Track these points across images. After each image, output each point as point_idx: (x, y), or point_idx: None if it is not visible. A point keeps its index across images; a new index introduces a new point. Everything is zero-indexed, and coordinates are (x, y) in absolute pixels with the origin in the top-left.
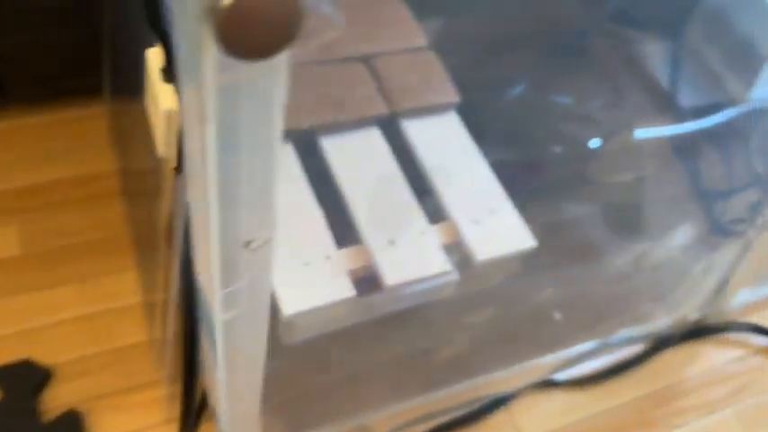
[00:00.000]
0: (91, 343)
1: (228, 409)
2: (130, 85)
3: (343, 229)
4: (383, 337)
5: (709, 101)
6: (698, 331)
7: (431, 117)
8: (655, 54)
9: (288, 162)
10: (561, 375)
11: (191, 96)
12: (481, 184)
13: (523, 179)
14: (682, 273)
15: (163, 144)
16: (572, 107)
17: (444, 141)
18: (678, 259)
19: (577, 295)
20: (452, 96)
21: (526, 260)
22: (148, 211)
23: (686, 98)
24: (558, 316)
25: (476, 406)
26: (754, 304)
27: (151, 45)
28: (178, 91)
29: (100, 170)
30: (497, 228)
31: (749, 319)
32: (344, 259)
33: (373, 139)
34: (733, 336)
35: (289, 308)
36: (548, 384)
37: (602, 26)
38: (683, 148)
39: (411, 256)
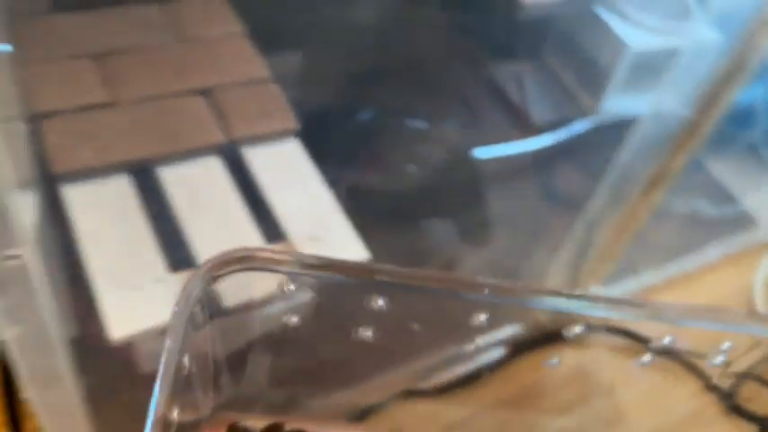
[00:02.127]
0: None
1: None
2: None
3: (181, 255)
4: None
5: (562, 116)
6: (553, 334)
7: (271, 144)
8: (509, 74)
9: (124, 194)
10: (424, 384)
11: None
12: (317, 205)
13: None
14: (530, 278)
15: None
16: (427, 130)
17: (283, 166)
18: (528, 266)
19: (433, 306)
20: (291, 123)
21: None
22: None
23: (540, 114)
24: (416, 327)
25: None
26: None
27: None
28: None
29: None
30: (332, 244)
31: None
32: (178, 282)
33: (212, 167)
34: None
35: (116, 332)
36: (411, 394)
37: (455, 52)
38: (541, 161)
39: (249, 278)
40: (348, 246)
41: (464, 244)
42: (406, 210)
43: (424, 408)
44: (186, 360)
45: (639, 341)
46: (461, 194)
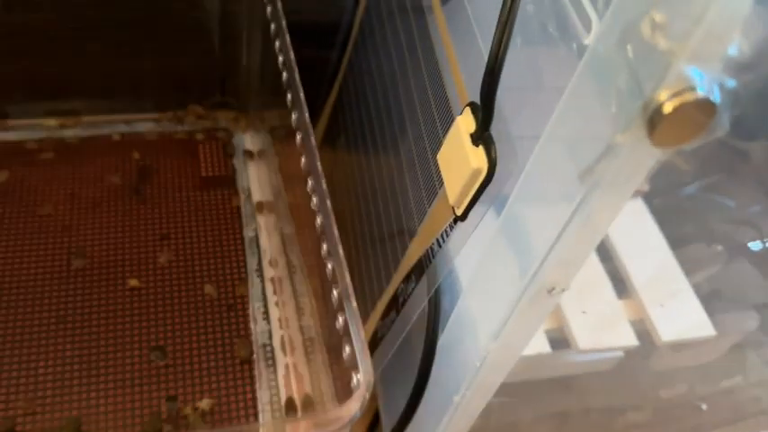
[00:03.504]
0: None
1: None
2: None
3: None
4: (544, 397)
5: None
6: None
7: None
8: None
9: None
10: None
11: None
12: (664, 268)
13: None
14: None
15: (456, 194)
16: (733, 210)
17: (632, 225)
18: None
19: (723, 391)
20: (642, 185)
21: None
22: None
23: None
24: (704, 407)
25: None
26: None
27: (453, 114)
28: (489, 154)
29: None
30: (679, 312)
31: None
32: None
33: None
34: None
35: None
36: None
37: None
38: None
39: (601, 326)
40: (695, 318)
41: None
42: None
43: None
44: None
45: None
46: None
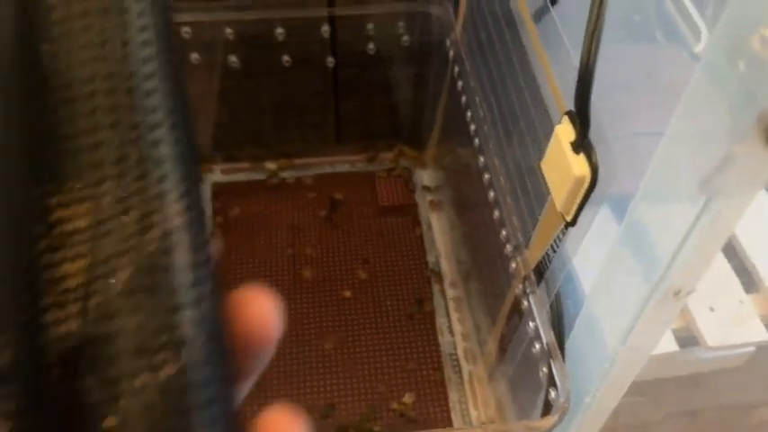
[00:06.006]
0: None
1: None
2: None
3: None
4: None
5: None
6: None
7: None
8: None
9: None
10: None
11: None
12: None
13: None
14: None
15: (563, 201)
16: None
17: (757, 218)
18: None
19: None
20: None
21: None
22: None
23: None
24: None
25: None
26: None
27: (553, 123)
28: (591, 161)
29: None
30: None
31: None
32: None
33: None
34: None
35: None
36: None
37: None
38: None
39: (730, 322)
40: None
41: None
42: None
43: None
44: None
45: None
46: None
